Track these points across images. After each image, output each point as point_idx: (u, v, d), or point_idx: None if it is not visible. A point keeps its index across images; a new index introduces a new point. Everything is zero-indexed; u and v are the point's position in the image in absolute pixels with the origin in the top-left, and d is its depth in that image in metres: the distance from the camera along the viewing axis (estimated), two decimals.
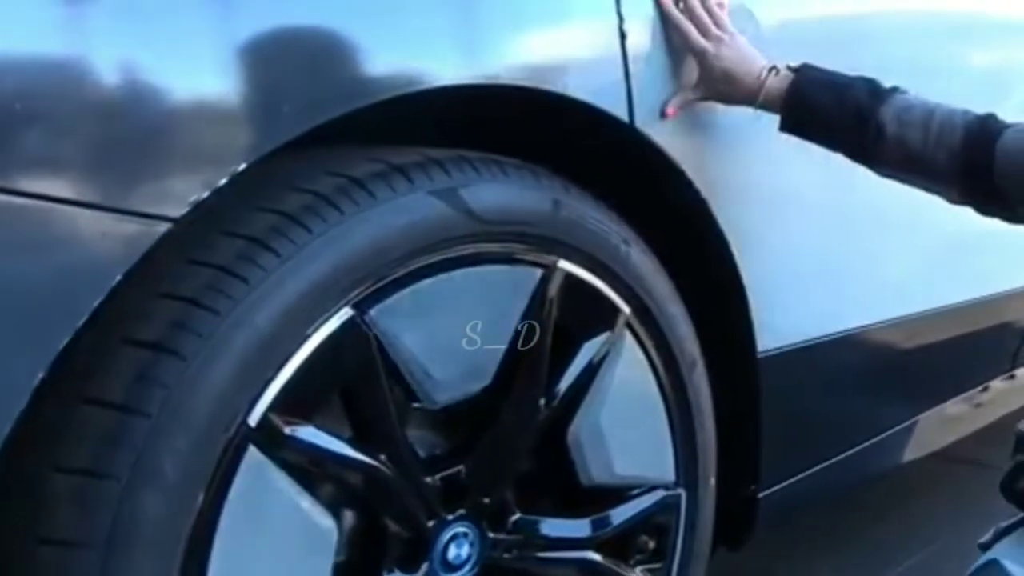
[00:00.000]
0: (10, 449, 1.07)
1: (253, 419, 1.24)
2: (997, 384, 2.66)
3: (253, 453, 1.24)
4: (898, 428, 2.26)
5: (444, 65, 1.38)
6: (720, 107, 1.73)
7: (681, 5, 1.66)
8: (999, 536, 1.65)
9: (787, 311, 1.90)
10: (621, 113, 1.57)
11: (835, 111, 1.66)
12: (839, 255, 2.01)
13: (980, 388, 2.57)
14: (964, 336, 2.36)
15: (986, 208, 1.68)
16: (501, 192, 1.47)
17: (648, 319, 1.67)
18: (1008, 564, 1.55)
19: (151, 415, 1.16)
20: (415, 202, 1.37)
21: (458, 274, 1.42)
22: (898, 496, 2.71)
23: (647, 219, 1.70)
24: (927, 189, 1.72)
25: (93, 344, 1.15)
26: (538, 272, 1.51)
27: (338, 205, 1.31)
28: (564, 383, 1.58)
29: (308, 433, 1.30)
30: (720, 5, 1.70)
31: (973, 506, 2.55)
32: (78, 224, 1.08)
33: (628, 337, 1.65)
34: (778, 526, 2.05)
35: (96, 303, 1.08)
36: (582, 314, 1.59)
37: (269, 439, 1.26)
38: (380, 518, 1.44)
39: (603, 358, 1.61)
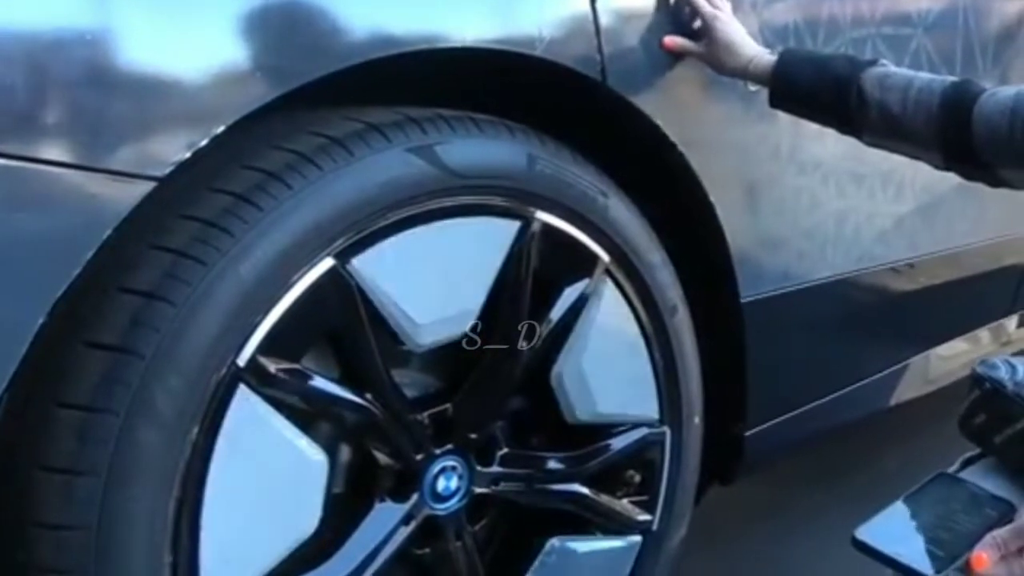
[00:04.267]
0: (17, 386, 1.19)
1: (242, 360, 1.35)
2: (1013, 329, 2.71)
3: (243, 391, 1.35)
4: (887, 371, 2.32)
5: (419, 29, 1.46)
6: (691, 63, 1.80)
7: None
8: (965, 465, 1.72)
9: (768, 259, 1.98)
10: (594, 73, 1.65)
11: (818, 83, 1.72)
12: (819, 203, 2.07)
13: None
14: (954, 281, 2.41)
15: (969, 172, 1.70)
16: (476, 148, 1.56)
17: (628, 267, 1.75)
18: (962, 474, 1.62)
19: (145, 356, 1.27)
20: (393, 159, 1.46)
21: (437, 225, 1.51)
22: (896, 433, 2.76)
23: (630, 175, 1.78)
24: (913, 156, 1.75)
25: (90, 292, 1.26)
26: (516, 223, 1.60)
27: (318, 162, 1.40)
28: (545, 327, 1.67)
29: (296, 373, 1.41)
30: None
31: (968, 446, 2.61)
32: (71, 184, 1.18)
33: (608, 284, 1.74)
34: (769, 463, 2.14)
35: (89, 255, 1.19)
36: (561, 262, 1.68)
37: (258, 378, 1.36)
38: (371, 453, 1.54)
39: (583, 303, 1.70)
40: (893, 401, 2.37)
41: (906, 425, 2.74)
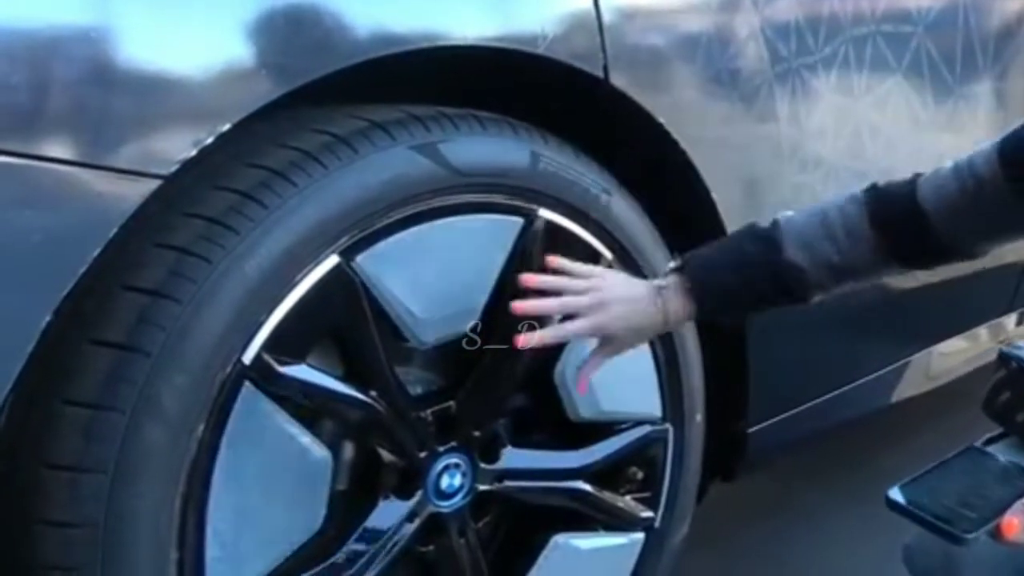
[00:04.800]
0: (23, 384, 1.19)
1: (247, 358, 1.35)
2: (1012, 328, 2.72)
3: (249, 389, 1.36)
4: (889, 368, 2.33)
5: (422, 27, 1.47)
6: (698, 61, 1.80)
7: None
8: (988, 444, 1.70)
9: None
10: (597, 71, 1.65)
11: (742, 279, 1.55)
12: (820, 200, 2.05)
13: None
14: (953, 279, 2.41)
15: (931, 262, 1.59)
16: (479, 146, 1.57)
17: (630, 264, 1.75)
18: (989, 449, 1.63)
19: (151, 354, 1.28)
20: (397, 157, 1.47)
21: (441, 223, 1.52)
22: (898, 430, 2.76)
23: (633, 173, 1.79)
24: (867, 282, 1.62)
25: (96, 291, 1.27)
26: (520, 220, 1.61)
27: (323, 160, 1.41)
28: (549, 324, 1.66)
29: (300, 371, 1.42)
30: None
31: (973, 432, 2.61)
32: (77, 182, 1.19)
33: None
34: (771, 460, 2.15)
35: (95, 253, 1.19)
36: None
37: (263, 376, 1.37)
38: (375, 450, 1.55)
39: None
40: (894, 398, 2.37)
41: (908, 422, 2.75)
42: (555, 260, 1.59)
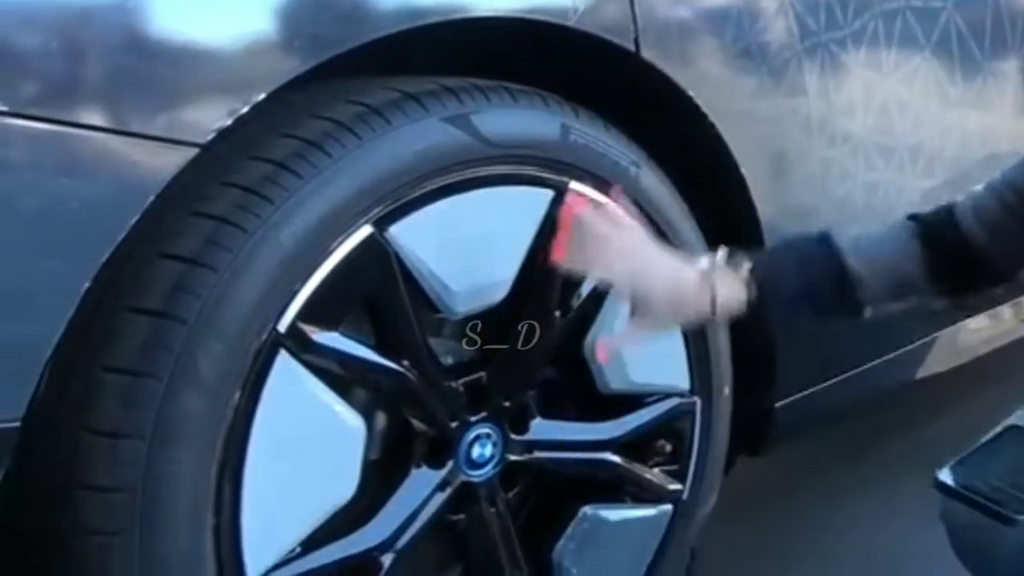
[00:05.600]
0: (63, 351, 1.21)
1: (282, 326, 1.37)
2: None
3: (284, 357, 1.37)
4: (916, 344, 2.32)
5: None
6: (728, 34, 1.80)
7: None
8: None
9: (798, 230, 1.92)
10: (627, 43, 1.65)
11: (805, 286, 1.52)
12: (849, 175, 2.06)
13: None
14: None
15: (982, 285, 1.57)
16: (511, 117, 1.57)
17: (660, 237, 1.74)
18: None
19: (187, 322, 1.29)
20: (429, 128, 1.48)
21: (473, 194, 1.53)
22: (925, 407, 2.75)
23: (662, 146, 1.78)
24: (916, 306, 1.58)
25: (134, 259, 1.29)
26: (550, 193, 1.61)
27: (356, 131, 1.42)
28: (578, 297, 1.68)
29: (334, 339, 1.43)
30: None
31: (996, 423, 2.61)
32: (115, 150, 1.20)
33: None
34: (796, 435, 2.13)
35: (132, 221, 1.21)
36: None
37: (298, 344, 1.38)
38: (407, 420, 1.56)
39: None
40: (921, 374, 2.37)
41: (934, 399, 2.73)
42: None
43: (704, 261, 1.51)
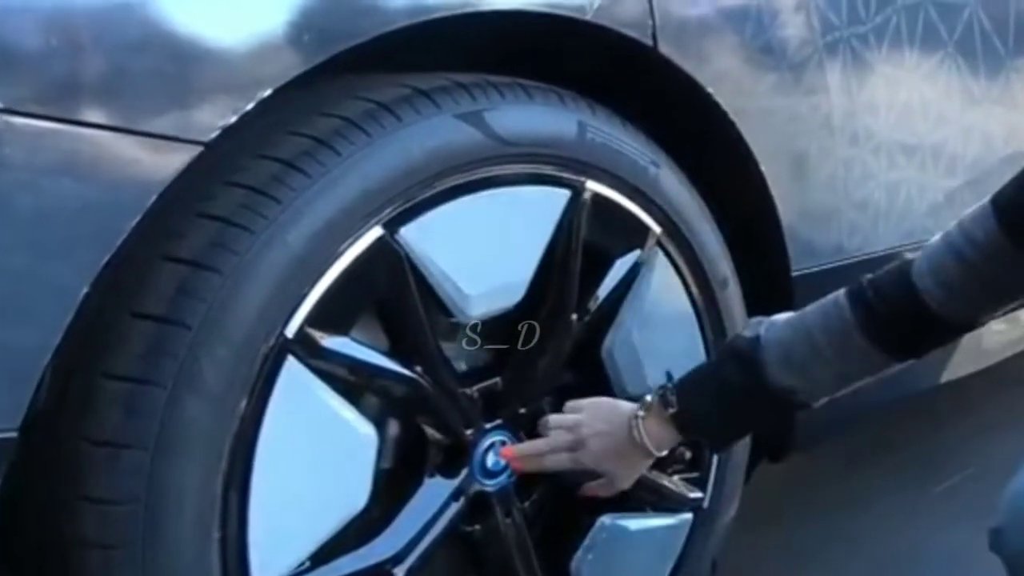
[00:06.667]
0: (63, 357, 1.16)
1: (290, 331, 1.32)
2: None
3: (292, 363, 1.32)
4: None
5: None
6: (748, 29, 1.76)
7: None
8: None
9: (820, 232, 1.94)
10: (645, 38, 1.61)
11: (731, 412, 1.51)
12: (871, 175, 2.02)
13: None
14: None
15: (937, 344, 1.48)
16: (526, 115, 1.53)
17: (679, 238, 1.72)
18: None
19: (192, 327, 1.24)
20: (441, 125, 1.43)
21: (487, 194, 1.49)
22: (947, 411, 2.73)
23: (680, 144, 1.74)
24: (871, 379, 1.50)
25: (136, 261, 1.24)
26: (566, 192, 1.57)
27: (365, 128, 1.37)
28: (596, 300, 1.64)
29: (344, 345, 1.38)
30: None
31: (1020, 426, 2.58)
32: (115, 149, 1.15)
33: (659, 256, 1.70)
34: (817, 441, 2.09)
35: (133, 222, 1.16)
36: (612, 233, 1.65)
37: (307, 350, 1.34)
38: (420, 427, 1.52)
39: (634, 276, 1.67)
40: (945, 378, 2.31)
41: (957, 403, 2.71)
42: (544, 420, 1.59)
43: (635, 408, 1.53)
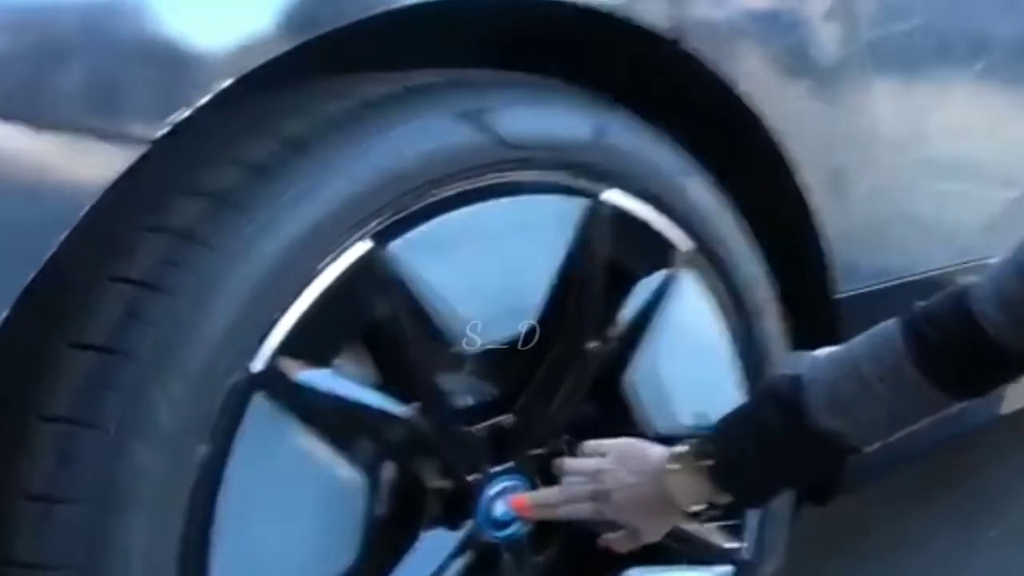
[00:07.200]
0: None
1: (258, 363, 1.18)
2: None
3: (260, 401, 1.18)
4: None
5: None
6: (783, 21, 1.63)
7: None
8: None
9: (866, 250, 1.82)
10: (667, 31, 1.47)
11: (771, 462, 1.35)
12: (920, 188, 1.90)
13: None
14: None
15: (1000, 381, 1.32)
16: (535, 115, 1.40)
17: (711, 257, 1.59)
18: None
19: (140, 358, 1.11)
20: (437, 126, 1.31)
21: (491, 205, 1.36)
22: (1002, 447, 2.62)
23: (706, 151, 1.61)
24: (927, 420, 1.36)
25: (72, 282, 1.10)
26: (582, 204, 1.44)
27: (350, 129, 1.25)
28: (617, 325, 1.51)
29: (324, 379, 1.24)
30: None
31: None
32: (38, 148, 1.00)
33: (688, 277, 1.57)
34: (867, 481, 1.98)
35: (62, 236, 1.01)
36: (634, 250, 1.52)
37: (279, 386, 1.20)
38: (416, 473, 1.38)
39: (659, 299, 1.54)
40: (1007, 408, 2.18)
41: (1013, 437, 2.61)
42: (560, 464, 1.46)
43: (665, 456, 1.39)
